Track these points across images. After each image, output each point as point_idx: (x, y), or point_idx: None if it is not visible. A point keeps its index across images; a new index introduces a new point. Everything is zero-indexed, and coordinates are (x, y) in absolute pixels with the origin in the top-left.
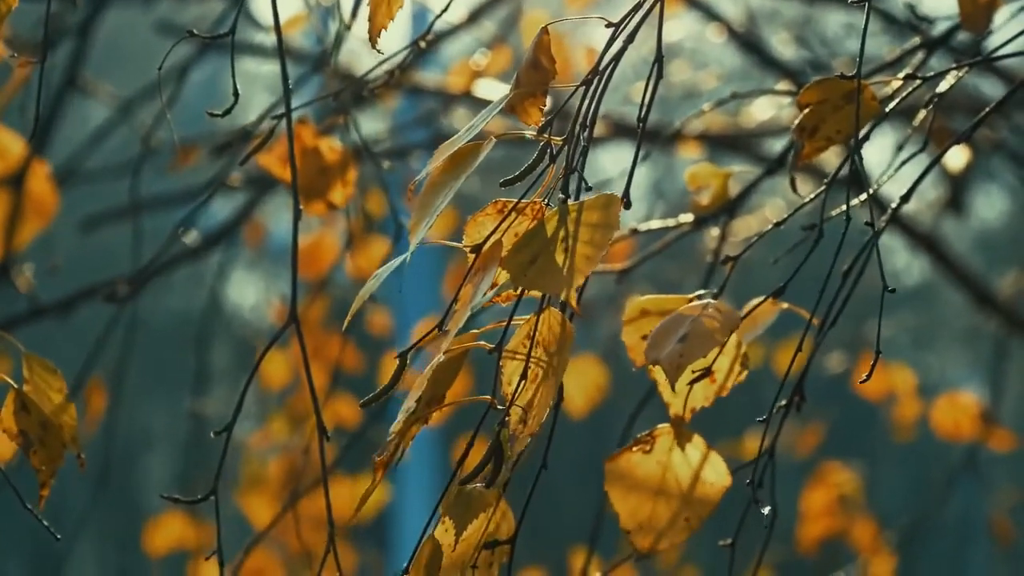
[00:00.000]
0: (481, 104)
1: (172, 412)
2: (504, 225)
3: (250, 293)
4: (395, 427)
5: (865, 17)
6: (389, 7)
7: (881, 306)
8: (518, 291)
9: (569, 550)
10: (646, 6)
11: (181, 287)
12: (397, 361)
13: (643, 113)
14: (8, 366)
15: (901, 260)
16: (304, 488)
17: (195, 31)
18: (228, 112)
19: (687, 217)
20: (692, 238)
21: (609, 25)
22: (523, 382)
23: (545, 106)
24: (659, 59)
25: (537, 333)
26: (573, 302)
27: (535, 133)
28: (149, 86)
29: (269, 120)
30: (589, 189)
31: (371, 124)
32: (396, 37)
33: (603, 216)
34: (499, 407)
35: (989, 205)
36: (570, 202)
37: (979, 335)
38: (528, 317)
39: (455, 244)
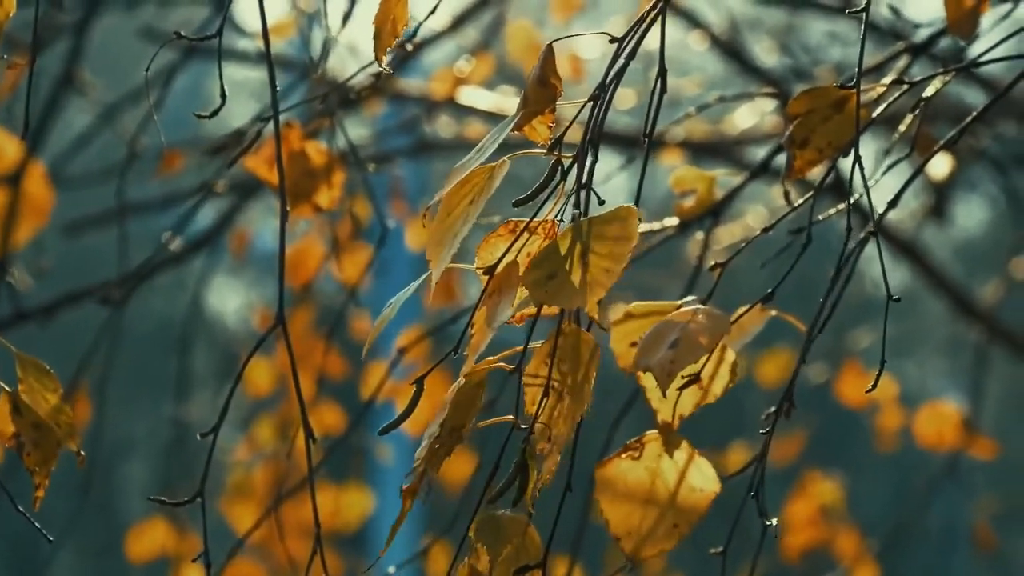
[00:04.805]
0: (464, 111)
1: (151, 418)
2: (517, 245)
3: (231, 299)
4: (420, 453)
5: (862, 27)
6: (394, 26)
7: (886, 313)
8: (535, 310)
9: (549, 557)
10: (645, 20)
11: (162, 293)
12: (415, 387)
13: (649, 129)
14: None
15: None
16: (288, 491)
17: (182, 33)
18: (216, 113)
19: (672, 221)
20: (673, 245)
21: (613, 40)
22: (545, 400)
23: (554, 123)
24: (662, 73)
25: (559, 350)
26: (595, 315)
27: (545, 151)
28: (132, 91)
29: (256, 123)
30: (602, 203)
31: (354, 130)
32: None
33: (621, 229)
34: (523, 427)
35: (969, 213)
36: (585, 216)
37: (959, 344)
38: (545, 339)
39: (467, 267)
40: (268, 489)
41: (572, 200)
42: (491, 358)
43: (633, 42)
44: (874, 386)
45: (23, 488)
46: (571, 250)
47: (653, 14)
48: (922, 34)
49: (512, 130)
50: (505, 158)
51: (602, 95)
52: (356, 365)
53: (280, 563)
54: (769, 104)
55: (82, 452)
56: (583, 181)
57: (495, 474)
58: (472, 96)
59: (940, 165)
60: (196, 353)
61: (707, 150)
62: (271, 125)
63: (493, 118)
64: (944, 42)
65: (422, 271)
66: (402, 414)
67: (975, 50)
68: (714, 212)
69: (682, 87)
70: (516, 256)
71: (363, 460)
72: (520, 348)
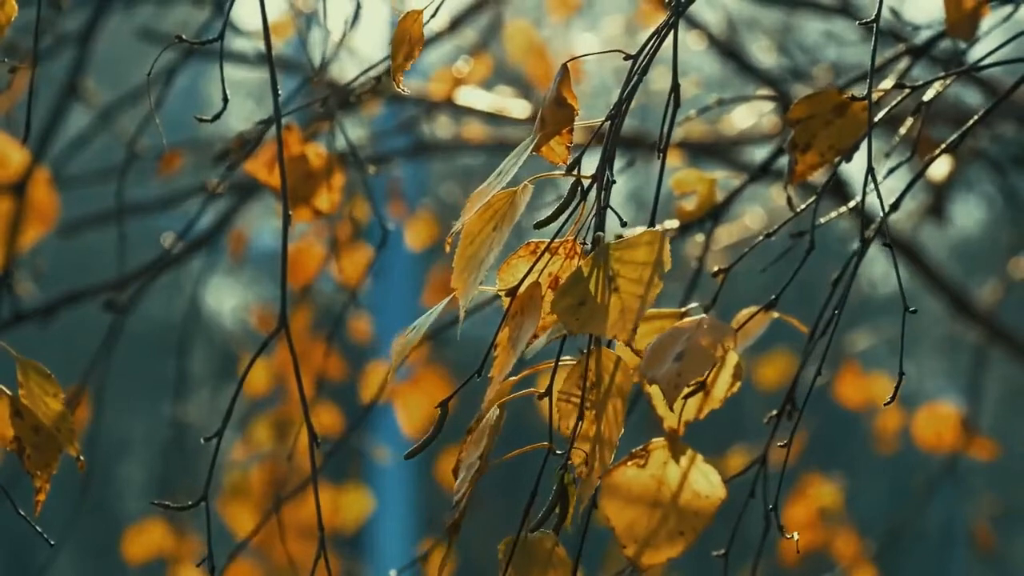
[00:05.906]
0: (463, 111)
1: (149, 418)
2: (539, 266)
3: (228, 299)
4: (460, 486)
5: (873, 38)
6: (411, 48)
7: (903, 324)
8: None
9: None
10: (658, 34)
11: (159, 293)
12: (439, 410)
13: (663, 143)
14: None
15: (879, 269)
16: (289, 494)
17: (183, 36)
18: (217, 117)
19: (672, 223)
20: (672, 247)
21: (627, 58)
22: (580, 423)
23: (572, 143)
24: (675, 88)
25: (590, 373)
26: (633, 342)
27: (564, 172)
28: (130, 92)
29: (256, 126)
30: (624, 224)
31: (352, 131)
32: (380, 45)
33: (648, 254)
34: (558, 452)
35: (967, 214)
36: (613, 240)
37: (957, 344)
38: (575, 359)
39: (489, 289)
40: (266, 490)
41: (592, 221)
42: (513, 378)
43: (646, 60)
44: (892, 398)
45: (24, 489)
46: (598, 276)
47: (666, 29)
48: (922, 36)
49: (531, 152)
50: (527, 182)
51: (617, 115)
52: (354, 366)
53: (278, 564)
54: (767, 104)
55: (81, 457)
56: (603, 202)
57: (532, 502)
58: (470, 97)
59: (939, 165)
60: (194, 353)
61: (705, 150)
62: (271, 127)
63: (492, 119)
64: (944, 44)
65: (420, 272)
66: (427, 439)
67: (975, 52)
68: (715, 214)
69: (681, 88)
70: (538, 277)
71: (361, 461)
72: (541, 367)
